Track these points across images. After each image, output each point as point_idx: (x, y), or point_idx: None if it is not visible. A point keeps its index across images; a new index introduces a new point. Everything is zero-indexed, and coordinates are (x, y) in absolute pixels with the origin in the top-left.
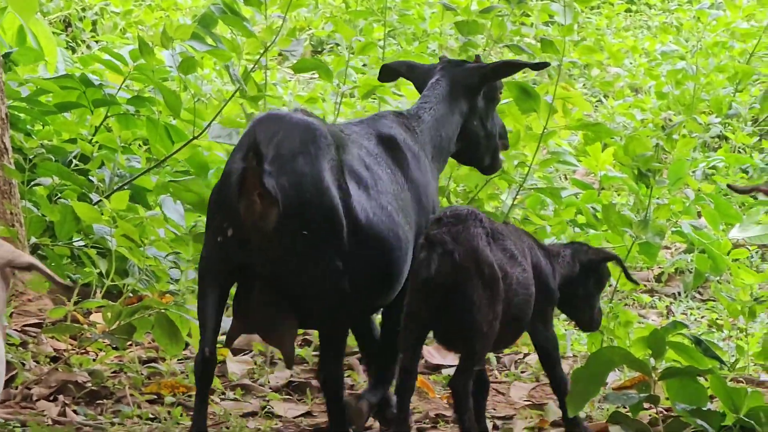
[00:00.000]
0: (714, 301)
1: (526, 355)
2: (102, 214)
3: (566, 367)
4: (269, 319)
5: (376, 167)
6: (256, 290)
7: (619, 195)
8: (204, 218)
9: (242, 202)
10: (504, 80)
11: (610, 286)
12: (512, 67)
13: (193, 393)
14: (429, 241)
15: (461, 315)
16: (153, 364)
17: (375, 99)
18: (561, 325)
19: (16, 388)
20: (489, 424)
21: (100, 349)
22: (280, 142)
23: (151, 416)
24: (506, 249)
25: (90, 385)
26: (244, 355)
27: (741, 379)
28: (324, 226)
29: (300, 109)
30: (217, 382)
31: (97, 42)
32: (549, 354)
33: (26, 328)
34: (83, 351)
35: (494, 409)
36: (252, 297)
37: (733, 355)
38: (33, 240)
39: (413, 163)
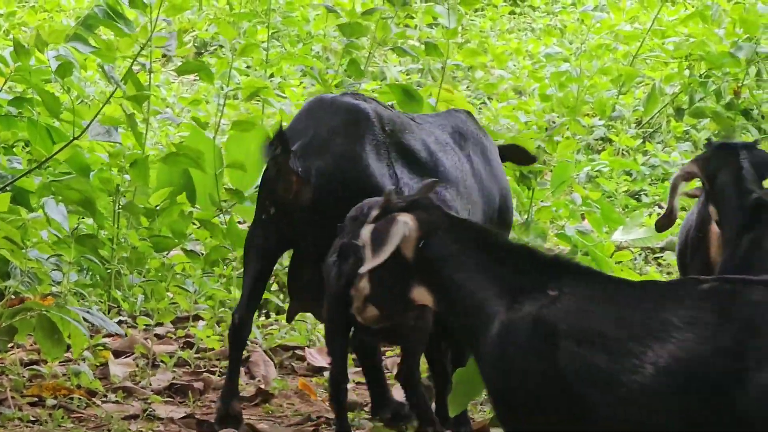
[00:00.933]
0: None
1: None
2: None
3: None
4: (318, 297)
5: (440, 154)
6: (304, 268)
7: None
8: (87, 220)
9: (279, 182)
10: (388, 82)
11: None
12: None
13: (75, 395)
14: (341, 249)
15: None
16: (34, 367)
17: (258, 101)
18: None
19: None
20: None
21: None
22: (321, 124)
23: (32, 419)
24: None
25: None
26: (126, 357)
27: None
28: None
29: (351, 93)
30: (98, 385)
31: None
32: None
33: None
34: None
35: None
36: (302, 275)
37: None
38: None
39: (482, 157)
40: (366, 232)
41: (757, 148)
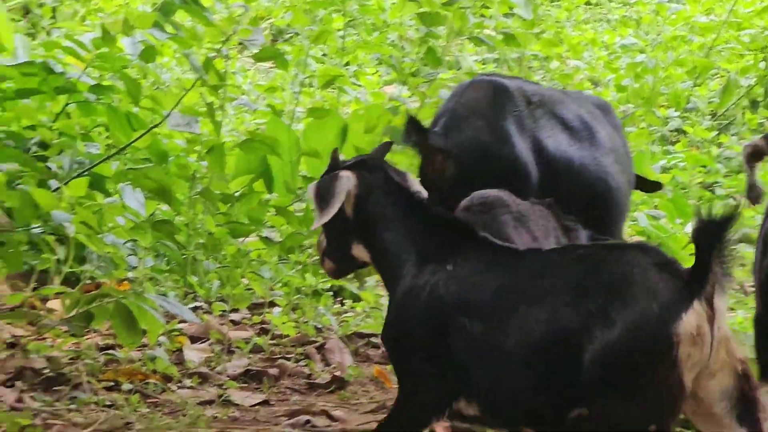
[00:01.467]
0: None
1: None
2: (61, 200)
3: None
4: None
5: (594, 123)
6: None
7: None
8: (163, 206)
9: (425, 161)
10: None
11: None
12: None
13: (150, 381)
14: None
15: None
16: (110, 351)
17: (334, 89)
18: None
19: None
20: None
21: (58, 336)
22: (462, 102)
23: (108, 403)
24: (530, 230)
25: (47, 371)
26: (201, 343)
27: None
28: (508, 174)
29: (493, 73)
30: (174, 370)
31: (56, 29)
32: None
33: None
34: (41, 337)
35: None
36: None
37: None
38: None
39: (620, 131)
40: (311, 189)
41: None
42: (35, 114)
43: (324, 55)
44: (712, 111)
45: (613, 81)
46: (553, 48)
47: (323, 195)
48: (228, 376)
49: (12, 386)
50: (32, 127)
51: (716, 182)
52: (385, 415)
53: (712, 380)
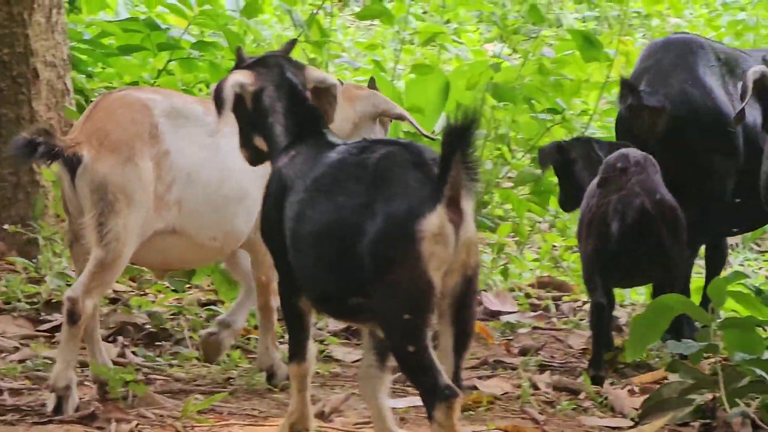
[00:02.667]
0: None
1: (584, 302)
2: None
3: (624, 315)
4: None
5: None
6: None
7: None
8: None
9: (632, 120)
10: (567, 29)
11: None
12: None
13: (252, 336)
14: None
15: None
16: (211, 307)
17: (435, 46)
18: None
19: None
20: (547, 373)
21: (159, 291)
22: (661, 61)
23: None
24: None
25: (149, 327)
26: None
27: None
28: (713, 125)
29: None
30: (276, 327)
31: None
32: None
33: None
34: (142, 293)
35: (552, 357)
36: None
37: None
38: None
39: None
40: (211, 91)
41: None
42: (138, 70)
43: (424, 12)
44: None
45: (714, 39)
46: (654, 5)
47: (218, 98)
48: (329, 332)
49: (114, 341)
50: (135, 83)
51: None
52: None
53: (447, 278)
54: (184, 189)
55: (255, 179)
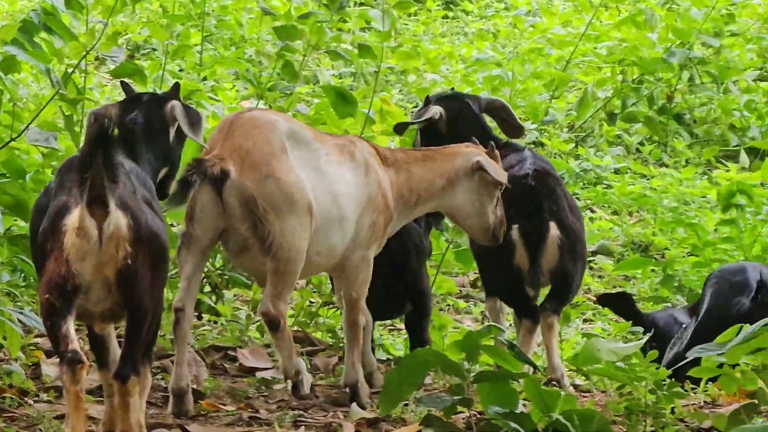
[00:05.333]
0: None
1: (340, 357)
2: None
3: (382, 369)
4: None
5: None
6: None
7: None
8: (20, 221)
9: None
10: (322, 85)
11: None
12: None
13: (7, 395)
14: None
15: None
16: None
17: (191, 104)
18: (376, 330)
19: None
20: (302, 428)
21: None
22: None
23: None
24: None
25: None
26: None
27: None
28: None
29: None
30: (30, 384)
31: None
32: None
33: None
34: None
35: (308, 411)
36: None
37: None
38: None
39: None
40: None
41: None
42: None
43: (181, 70)
44: (569, 123)
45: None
46: (411, 61)
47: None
48: (86, 391)
49: None
50: None
51: (574, 194)
52: None
53: (104, 269)
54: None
55: (349, 203)
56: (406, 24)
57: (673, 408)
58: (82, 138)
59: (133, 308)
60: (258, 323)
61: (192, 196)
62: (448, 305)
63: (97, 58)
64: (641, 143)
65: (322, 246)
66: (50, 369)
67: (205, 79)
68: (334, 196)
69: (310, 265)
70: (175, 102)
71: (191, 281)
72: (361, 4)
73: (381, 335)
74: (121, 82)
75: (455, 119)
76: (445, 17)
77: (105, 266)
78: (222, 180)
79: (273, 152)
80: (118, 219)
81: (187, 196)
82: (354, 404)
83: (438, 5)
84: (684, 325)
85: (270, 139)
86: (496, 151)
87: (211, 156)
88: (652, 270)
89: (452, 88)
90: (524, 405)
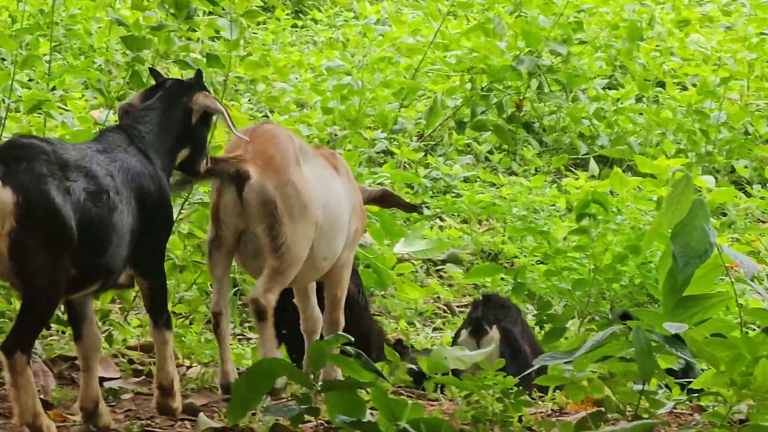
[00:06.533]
0: (379, 314)
1: (189, 367)
2: None
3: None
4: None
5: None
6: None
7: None
8: None
9: None
10: None
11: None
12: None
13: None
14: None
15: None
16: None
17: (41, 113)
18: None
19: None
20: None
21: None
22: None
23: None
24: None
25: None
26: None
27: (403, 392)
28: None
29: None
30: None
31: None
32: None
33: None
34: None
35: (155, 421)
36: None
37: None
38: None
39: None
40: None
41: None
42: None
43: (30, 80)
44: (418, 132)
45: (320, 103)
46: (260, 70)
47: None
48: None
49: None
50: None
51: (424, 202)
52: None
53: None
54: (321, 213)
55: (345, 211)
56: (255, 33)
57: (520, 416)
58: None
59: (24, 283)
60: (106, 332)
61: (215, 198)
62: None
63: None
64: (490, 152)
65: (329, 251)
66: None
67: (54, 88)
68: (338, 206)
69: (316, 270)
70: (206, 94)
71: (222, 283)
72: (210, 13)
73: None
74: (150, 68)
75: None
76: (294, 26)
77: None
78: (243, 180)
79: (291, 162)
80: (1, 195)
81: (189, 186)
82: (201, 414)
83: (287, 14)
84: None
85: (289, 150)
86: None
87: (232, 156)
88: (502, 278)
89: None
90: (372, 414)
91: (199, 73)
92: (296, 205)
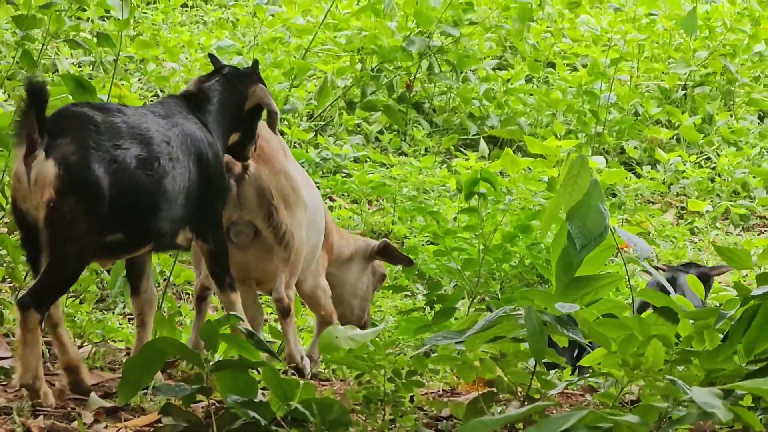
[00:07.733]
0: None
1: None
2: None
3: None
4: None
5: None
6: None
7: None
8: None
9: None
10: (61, 73)
11: (164, 280)
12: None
13: None
14: None
15: None
16: None
17: None
18: (115, 319)
19: None
20: (41, 417)
21: None
22: None
23: None
24: None
25: None
26: None
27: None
28: None
29: None
30: None
31: None
32: None
33: None
34: None
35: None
36: None
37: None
38: None
39: None
40: None
41: None
42: None
43: None
44: (309, 112)
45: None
46: (150, 50)
47: None
48: None
49: None
50: None
51: (316, 182)
52: None
53: (36, 210)
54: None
55: (318, 207)
56: (145, 13)
57: (412, 396)
58: None
59: (53, 251)
60: None
61: None
62: (187, 293)
63: None
64: (381, 132)
65: (313, 240)
66: None
67: None
68: (314, 197)
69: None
70: (263, 88)
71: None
72: None
73: None
74: (209, 54)
75: None
76: (185, 6)
77: (37, 208)
78: (243, 172)
79: (279, 151)
80: (42, 166)
81: None
82: (92, 393)
83: None
84: None
85: (275, 140)
86: None
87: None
88: None
89: None
90: (263, 394)
91: (255, 63)
92: (290, 192)
